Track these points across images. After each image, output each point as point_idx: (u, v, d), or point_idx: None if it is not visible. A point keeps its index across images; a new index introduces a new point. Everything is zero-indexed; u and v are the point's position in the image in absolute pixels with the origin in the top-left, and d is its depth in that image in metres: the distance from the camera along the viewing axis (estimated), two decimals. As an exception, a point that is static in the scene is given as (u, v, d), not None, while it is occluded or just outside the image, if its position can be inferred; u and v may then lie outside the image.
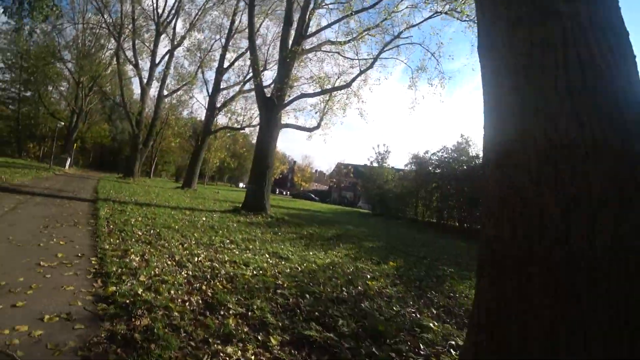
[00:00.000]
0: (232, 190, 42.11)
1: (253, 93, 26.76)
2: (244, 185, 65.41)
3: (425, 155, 23.42)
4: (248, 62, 27.15)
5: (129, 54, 28.25)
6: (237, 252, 6.21)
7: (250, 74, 26.61)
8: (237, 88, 27.13)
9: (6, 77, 41.20)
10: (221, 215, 11.28)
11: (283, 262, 5.95)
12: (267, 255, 6.34)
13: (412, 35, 14.69)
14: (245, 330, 3.10)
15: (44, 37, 30.38)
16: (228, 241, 7.14)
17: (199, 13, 27.57)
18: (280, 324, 3.29)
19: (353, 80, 15.23)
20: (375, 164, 30.04)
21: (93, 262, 4.57)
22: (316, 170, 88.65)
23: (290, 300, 4.00)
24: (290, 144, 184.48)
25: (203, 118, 29.32)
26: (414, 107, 16.07)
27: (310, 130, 16.61)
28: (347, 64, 16.96)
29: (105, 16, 26.97)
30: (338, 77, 16.79)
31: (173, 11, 28.09)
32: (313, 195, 56.25)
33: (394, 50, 15.34)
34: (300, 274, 5.28)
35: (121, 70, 28.98)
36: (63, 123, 33.86)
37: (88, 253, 4.95)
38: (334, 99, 16.71)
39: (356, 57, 15.80)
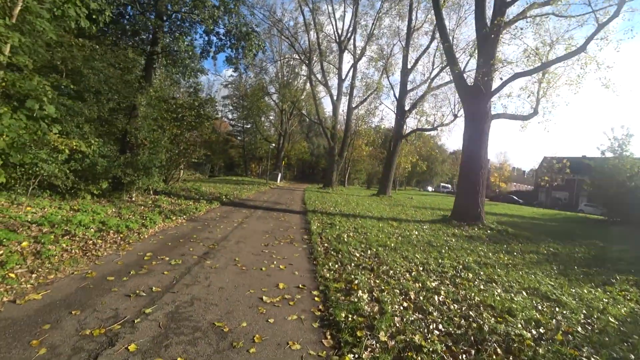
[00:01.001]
0: (423, 195, 40.21)
1: (442, 90, 24.51)
2: (433, 189, 62.47)
3: None
4: (432, 59, 25.20)
5: (319, 76, 31.03)
6: (482, 287, 4.49)
7: (435, 71, 24.68)
8: (424, 87, 25.48)
9: (234, 116, 54.05)
10: (431, 227, 9.72)
11: (558, 309, 3.98)
12: (525, 293, 4.46)
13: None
14: None
15: (255, 78, 37.48)
16: (460, 266, 5.50)
17: (375, 22, 27.72)
18: None
19: (588, 41, 11.19)
20: (608, 154, 21.71)
21: (316, 298, 3.77)
22: (513, 168, 76.45)
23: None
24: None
25: (392, 125, 29.05)
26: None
27: (525, 118, 13.27)
28: (563, 26, 12.47)
29: (296, 47, 30.79)
30: (550, 47, 12.93)
31: (351, 28, 29.16)
32: (516, 197, 48.06)
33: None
34: (606, 339, 3.23)
35: (314, 91, 32.10)
36: (274, 145, 41.26)
37: (309, 284, 4.26)
38: (556, 74, 12.98)
39: (590, 9, 11.41)
